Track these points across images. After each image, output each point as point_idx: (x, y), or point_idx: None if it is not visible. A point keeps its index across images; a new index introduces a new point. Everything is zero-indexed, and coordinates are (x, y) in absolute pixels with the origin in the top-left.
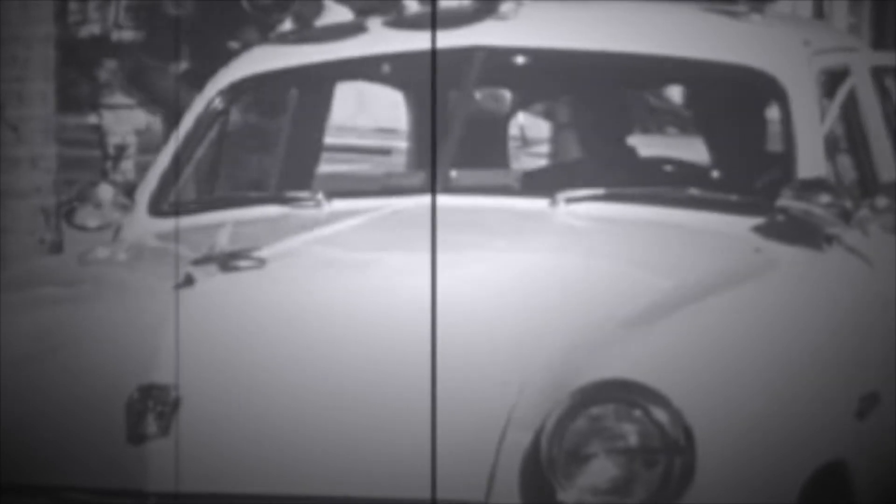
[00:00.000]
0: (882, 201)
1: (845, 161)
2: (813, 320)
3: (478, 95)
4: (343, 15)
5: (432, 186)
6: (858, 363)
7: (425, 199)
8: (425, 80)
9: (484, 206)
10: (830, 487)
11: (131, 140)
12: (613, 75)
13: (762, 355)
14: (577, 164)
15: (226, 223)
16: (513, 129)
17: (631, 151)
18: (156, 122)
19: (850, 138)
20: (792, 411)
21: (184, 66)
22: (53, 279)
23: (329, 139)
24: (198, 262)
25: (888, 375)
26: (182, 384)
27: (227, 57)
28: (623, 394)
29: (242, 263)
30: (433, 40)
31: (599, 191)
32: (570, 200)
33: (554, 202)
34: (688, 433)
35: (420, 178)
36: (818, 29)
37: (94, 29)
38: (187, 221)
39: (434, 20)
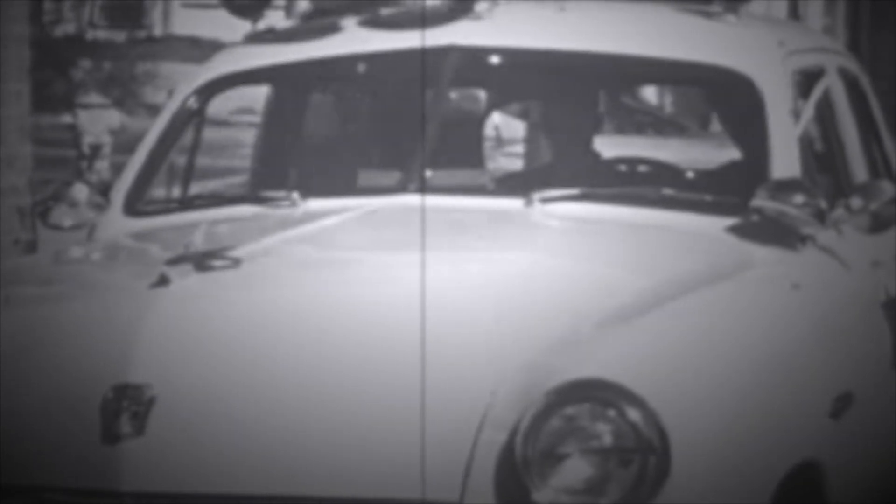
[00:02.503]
0: (856, 202)
1: (820, 161)
2: (787, 320)
3: (453, 95)
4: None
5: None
6: (832, 363)
7: (400, 199)
8: (399, 80)
9: (459, 207)
10: (804, 487)
11: (106, 139)
12: (589, 75)
13: (737, 355)
14: (553, 165)
15: (201, 223)
16: (488, 129)
17: (606, 152)
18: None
19: (824, 139)
20: (766, 411)
21: None
22: (28, 279)
23: (304, 138)
24: (172, 261)
25: (862, 376)
26: (157, 384)
27: None
28: (598, 394)
29: (217, 263)
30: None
31: (574, 191)
32: (545, 200)
33: (529, 202)
34: (662, 433)
35: (394, 177)
36: (793, 29)
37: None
38: (162, 221)
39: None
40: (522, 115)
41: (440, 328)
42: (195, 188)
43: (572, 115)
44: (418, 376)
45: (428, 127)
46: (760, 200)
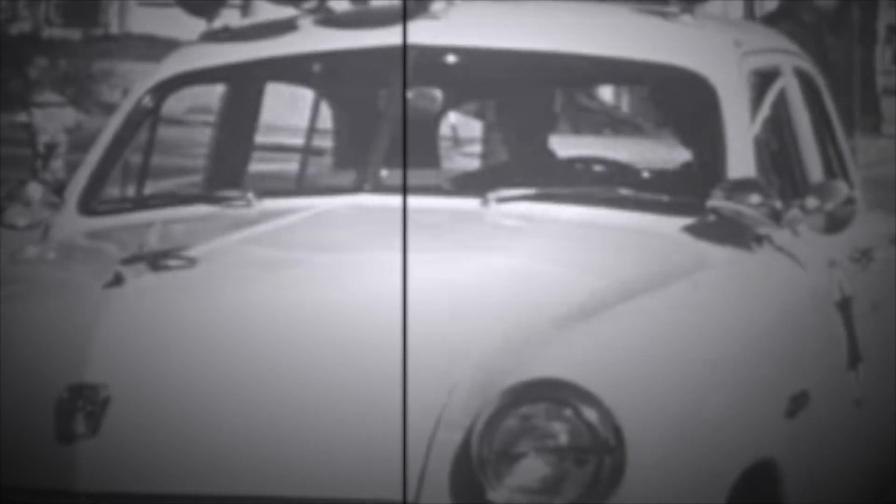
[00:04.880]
0: (812, 202)
1: (776, 161)
2: (743, 320)
3: (409, 94)
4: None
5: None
6: (788, 362)
7: (356, 199)
8: (355, 80)
9: (414, 206)
10: (760, 486)
11: (61, 138)
12: (545, 75)
13: (692, 355)
14: (509, 164)
15: (155, 222)
16: (444, 129)
17: (562, 151)
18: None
19: (780, 139)
20: (722, 410)
21: None
22: None
23: (259, 138)
24: (127, 261)
25: (818, 375)
26: (112, 384)
27: None
28: (553, 393)
29: (172, 263)
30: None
31: (531, 191)
32: (501, 200)
33: (485, 202)
34: (618, 432)
35: (350, 177)
36: (749, 30)
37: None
38: (117, 220)
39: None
40: (479, 114)
41: (396, 328)
42: (150, 187)
43: (529, 115)
44: (374, 376)
45: (383, 126)
46: (716, 200)
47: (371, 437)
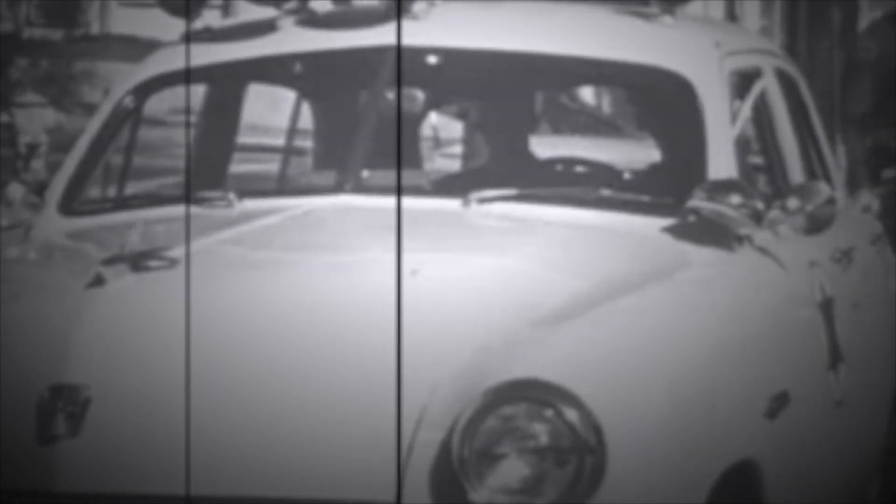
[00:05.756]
0: (793, 202)
1: (756, 162)
2: (723, 320)
3: (390, 95)
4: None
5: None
6: (769, 363)
7: (338, 200)
8: (336, 80)
9: (395, 207)
10: (741, 487)
11: (43, 139)
12: (526, 76)
13: (673, 355)
14: (490, 165)
15: (136, 223)
16: (426, 130)
17: (543, 152)
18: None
19: (761, 139)
20: (702, 411)
21: None
22: None
23: (241, 138)
24: (108, 261)
25: (798, 375)
26: (93, 384)
27: None
28: (535, 393)
29: (153, 263)
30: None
31: (512, 191)
32: (482, 201)
33: (466, 202)
34: (598, 433)
35: (331, 178)
36: (729, 31)
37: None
38: (98, 221)
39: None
40: (460, 115)
41: (377, 329)
42: (131, 188)
43: (510, 116)
44: (355, 377)
45: (364, 126)
46: (697, 201)
47: (357, 438)
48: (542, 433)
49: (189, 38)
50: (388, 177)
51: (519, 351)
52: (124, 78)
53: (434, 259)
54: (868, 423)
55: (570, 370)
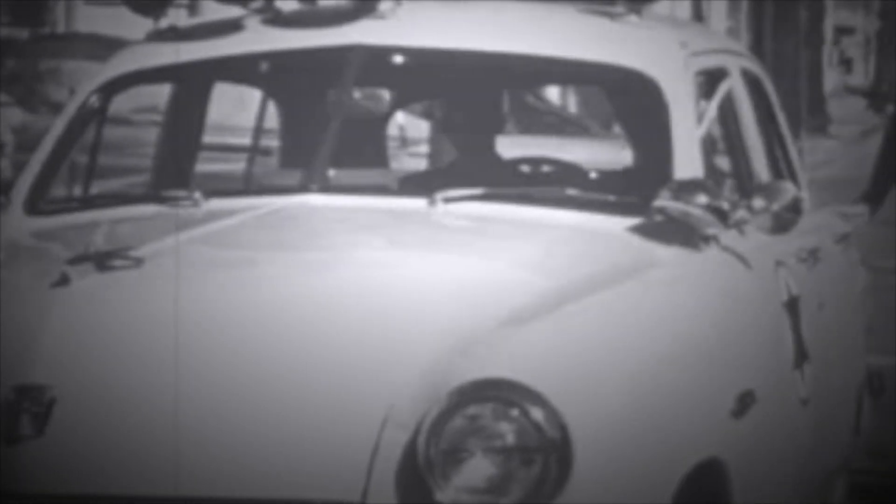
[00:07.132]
0: (758, 202)
1: (722, 162)
2: (689, 319)
3: (356, 94)
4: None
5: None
6: (735, 362)
7: (303, 199)
8: (302, 79)
9: (362, 206)
10: (707, 485)
11: (8, 138)
12: (492, 75)
13: (638, 354)
14: (456, 164)
15: (102, 222)
16: (392, 129)
17: (509, 152)
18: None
19: (727, 139)
20: (668, 410)
21: None
22: None
23: (206, 138)
24: (73, 261)
25: (764, 374)
26: (58, 384)
27: None
28: (501, 393)
29: (118, 263)
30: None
31: (478, 191)
32: (448, 200)
33: (432, 202)
34: (564, 432)
35: (297, 177)
36: (696, 31)
37: None
38: (63, 220)
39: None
40: (426, 114)
41: (343, 327)
42: (97, 187)
43: (476, 115)
44: (321, 375)
45: (331, 126)
46: (663, 200)
47: (322, 437)
48: (508, 432)
49: (155, 36)
50: (355, 176)
51: (485, 350)
52: (90, 77)
53: (399, 258)
54: (834, 422)
55: (535, 369)
